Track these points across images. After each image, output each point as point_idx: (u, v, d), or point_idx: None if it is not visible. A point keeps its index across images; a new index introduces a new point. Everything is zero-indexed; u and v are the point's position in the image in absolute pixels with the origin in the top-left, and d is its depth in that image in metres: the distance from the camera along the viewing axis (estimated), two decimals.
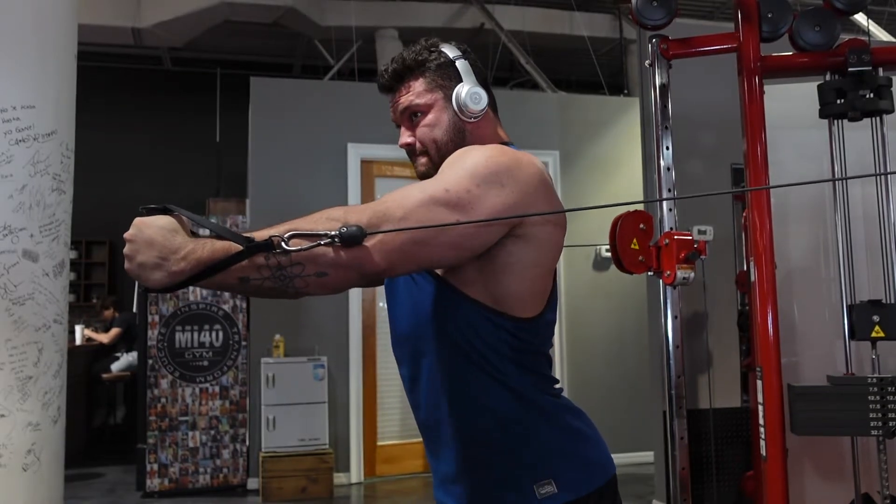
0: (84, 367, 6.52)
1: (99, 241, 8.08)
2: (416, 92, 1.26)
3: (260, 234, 0.94)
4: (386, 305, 1.32)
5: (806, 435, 2.46)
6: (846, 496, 2.63)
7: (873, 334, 2.45)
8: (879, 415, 2.33)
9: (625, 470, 4.96)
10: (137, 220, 0.96)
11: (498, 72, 7.76)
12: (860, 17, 4.34)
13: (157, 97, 8.35)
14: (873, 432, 2.34)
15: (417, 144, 1.28)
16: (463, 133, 1.25)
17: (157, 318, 4.83)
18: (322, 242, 0.94)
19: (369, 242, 0.97)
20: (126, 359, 6.58)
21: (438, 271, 1.17)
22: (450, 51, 1.28)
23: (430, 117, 1.26)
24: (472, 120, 1.25)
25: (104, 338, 6.63)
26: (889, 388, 2.33)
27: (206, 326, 4.90)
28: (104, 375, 6.50)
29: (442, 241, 1.04)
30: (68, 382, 2.09)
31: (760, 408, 2.48)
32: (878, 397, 2.34)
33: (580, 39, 7.08)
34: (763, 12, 2.60)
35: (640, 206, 2.56)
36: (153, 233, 0.93)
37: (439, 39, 1.31)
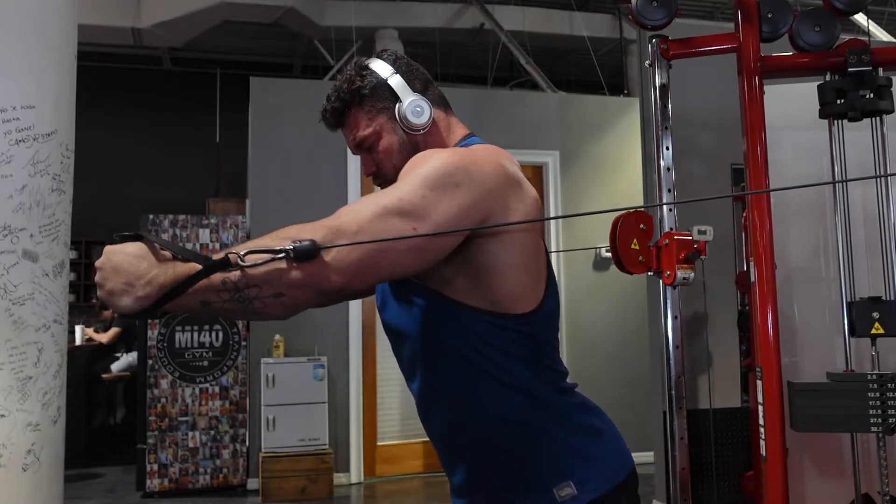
0: (84, 367, 6.52)
1: (99, 241, 8.07)
2: (360, 125, 1.25)
3: (219, 255, 0.95)
4: (381, 325, 1.31)
5: (806, 431, 2.46)
6: (846, 496, 2.63)
7: (873, 331, 2.45)
8: (879, 411, 2.33)
9: None
10: (107, 247, 0.97)
11: (498, 72, 7.76)
12: (860, 18, 4.34)
13: (157, 97, 8.35)
14: (873, 429, 2.34)
15: (379, 174, 1.27)
16: (417, 147, 1.24)
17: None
18: (277, 257, 0.93)
19: (325, 259, 0.95)
20: (126, 359, 6.58)
21: (432, 286, 1.15)
22: (381, 68, 1.25)
23: (382, 144, 1.24)
24: (422, 132, 1.24)
25: (104, 338, 6.63)
26: (889, 385, 2.34)
27: (206, 326, 4.90)
28: (104, 375, 6.50)
29: (397, 252, 1.01)
30: (68, 382, 2.09)
31: (760, 408, 2.48)
32: (877, 394, 2.34)
33: (580, 39, 7.08)
34: (763, 12, 2.60)
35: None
36: (120, 259, 0.94)
37: (367, 58, 1.29)
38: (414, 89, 1.25)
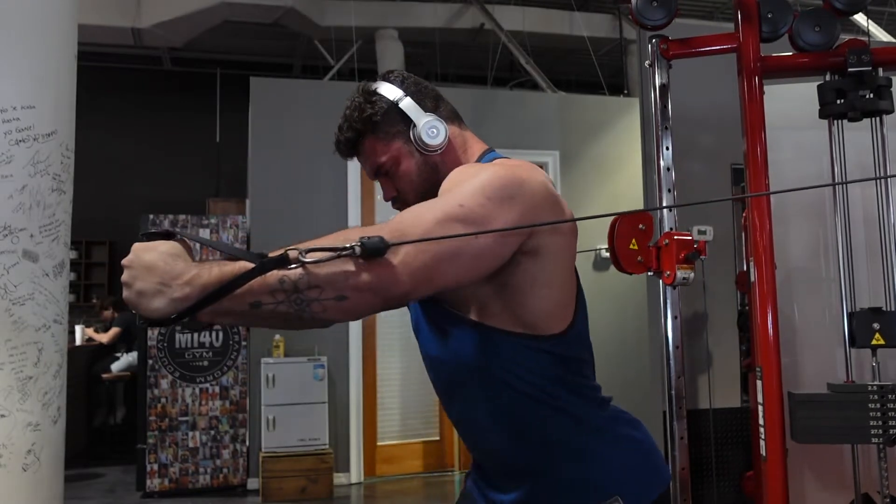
0: (84, 367, 6.52)
1: (99, 241, 8.08)
2: (377, 152, 1.24)
3: (276, 253, 0.87)
4: (420, 353, 1.29)
5: (807, 442, 2.45)
6: (846, 496, 2.63)
7: (874, 342, 2.44)
8: (880, 422, 2.33)
9: None
10: (136, 245, 0.89)
11: (498, 72, 7.76)
12: (860, 18, 4.34)
13: (157, 97, 8.35)
14: (874, 440, 2.34)
15: (399, 197, 1.26)
16: (436, 167, 1.22)
17: None
18: (343, 254, 0.86)
19: (393, 262, 0.90)
20: (126, 359, 6.59)
21: (465, 313, 1.14)
22: (390, 92, 1.23)
23: (401, 169, 1.23)
24: (439, 152, 1.22)
25: (104, 338, 6.63)
26: (889, 396, 2.33)
27: None
28: (104, 375, 6.50)
29: (463, 257, 0.99)
30: (68, 382, 2.09)
31: (760, 408, 2.48)
32: (878, 405, 2.33)
33: (580, 39, 7.08)
34: (763, 12, 2.60)
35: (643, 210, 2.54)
36: (153, 257, 0.86)
37: (373, 82, 1.26)
38: (425, 109, 1.23)
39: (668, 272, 2.29)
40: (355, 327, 5.11)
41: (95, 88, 7.29)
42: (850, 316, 2.50)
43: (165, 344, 4.84)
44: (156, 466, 4.76)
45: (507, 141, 5.37)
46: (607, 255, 2.39)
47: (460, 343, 1.16)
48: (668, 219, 2.59)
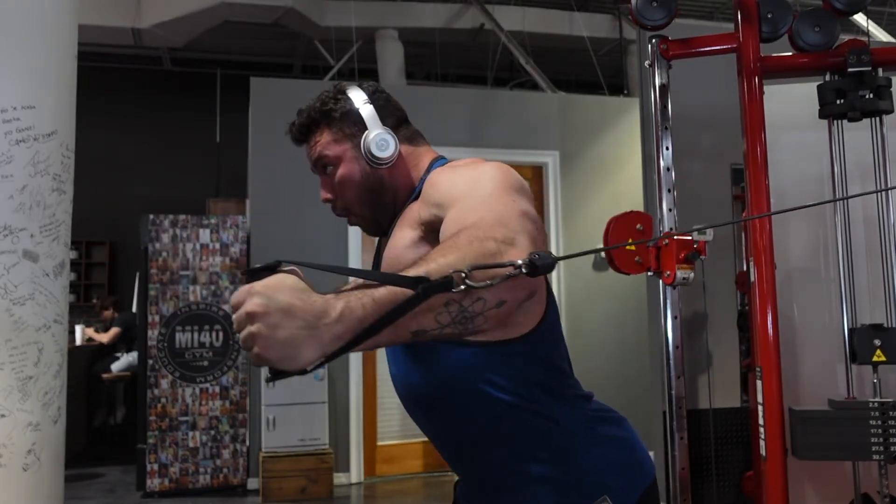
0: (84, 367, 6.52)
1: (99, 241, 8.08)
2: (324, 143, 1.26)
3: (421, 271, 0.77)
4: (390, 375, 1.28)
5: (808, 459, 2.45)
6: (846, 496, 2.63)
7: (875, 358, 2.44)
8: (881, 439, 2.32)
9: None
10: (258, 285, 0.72)
11: (498, 72, 7.76)
12: (860, 18, 4.35)
13: (157, 97, 8.35)
14: (875, 457, 2.33)
15: (338, 202, 1.27)
16: (380, 180, 1.24)
17: (157, 318, 4.83)
18: (513, 273, 0.78)
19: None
20: (126, 359, 6.59)
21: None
22: (357, 97, 1.26)
23: (341, 171, 1.24)
24: (385, 166, 1.23)
25: (104, 338, 6.63)
26: (890, 413, 2.33)
27: (207, 326, 4.90)
28: (104, 375, 6.50)
29: (540, 248, 0.98)
30: (68, 382, 2.09)
31: (760, 408, 2.48)
32: (879, 422, 2.33)
33: (580, 39, 7.08)
34: (763, 12, 2.60)
35: (644, 218, 2.53)
36: (288, 298, 0.71)
37: (349, 83, 1.29)
38: (385, 123, 1.24)
39: (668, 272, 2.29)
40: None
41: (95, 88, 7.29)
42: (850, 332, 2.50)
43: (165, 344, 4.84)
44: (156, 466, 4.76)
45: (507, 141, 5.37)
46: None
47: (434, 360, 1.16)
48: (668, 219, 2.60)
